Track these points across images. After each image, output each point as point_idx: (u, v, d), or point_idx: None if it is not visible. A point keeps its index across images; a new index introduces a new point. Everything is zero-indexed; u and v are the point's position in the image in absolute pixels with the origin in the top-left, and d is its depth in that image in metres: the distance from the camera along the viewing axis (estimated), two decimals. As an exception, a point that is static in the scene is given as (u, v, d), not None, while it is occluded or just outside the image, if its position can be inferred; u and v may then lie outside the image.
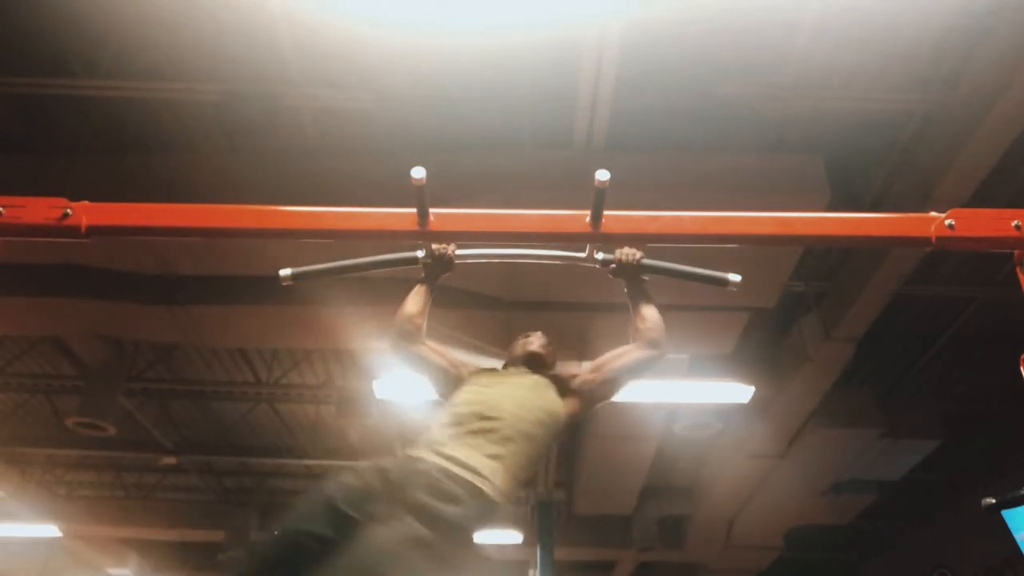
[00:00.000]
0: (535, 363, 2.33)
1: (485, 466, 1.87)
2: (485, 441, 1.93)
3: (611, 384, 2.26)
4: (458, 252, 2.21)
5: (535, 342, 2.39)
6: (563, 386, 2.22)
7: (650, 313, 2.21)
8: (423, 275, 2.28)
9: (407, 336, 2.23)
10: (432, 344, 2.30)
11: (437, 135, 4.25)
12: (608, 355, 2.29)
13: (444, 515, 1.72)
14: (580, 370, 2.33)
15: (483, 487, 1.82)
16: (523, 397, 2.10)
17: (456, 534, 1.74)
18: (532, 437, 2.02)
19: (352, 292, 4.50)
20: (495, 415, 1.99)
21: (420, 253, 2.19)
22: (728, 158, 4.18)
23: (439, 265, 2.22)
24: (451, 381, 2.26)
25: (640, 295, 2.23)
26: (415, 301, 2.25)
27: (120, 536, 9.83)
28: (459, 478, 1.82)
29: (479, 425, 1.97)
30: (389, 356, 2.27)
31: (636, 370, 2.25)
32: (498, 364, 2.45)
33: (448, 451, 1.89)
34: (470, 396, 2.10)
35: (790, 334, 5.74)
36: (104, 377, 6.19)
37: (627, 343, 2.26)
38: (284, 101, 4.01)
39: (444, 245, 2.17)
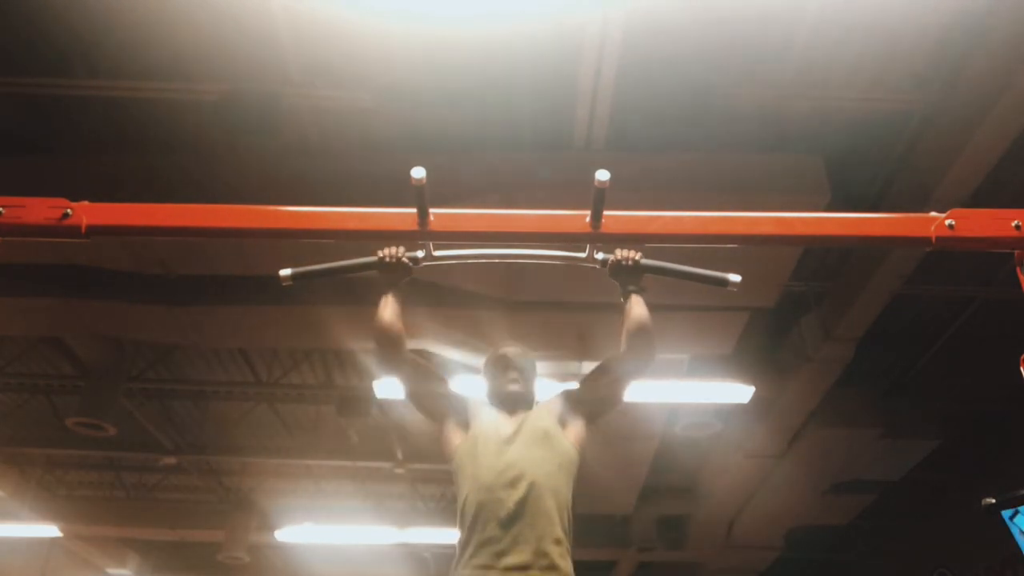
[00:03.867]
0: (518, 402, 2.27)
1: (560, 556, 1.94)
2: (541, 530, 1.94)
3: (604, 401, 2.28)
4: (455, 252, 2.18)
5: (513, 377, 2.28)
6: (564, 420, 2.23)
7: (639, 318, 2.14)
8: (383, 283, 2.18)
9: (390, 349, 2.18)
10: (420, 363, 2.25)
11: (437, 135, 4.25)
12: (596, 370, 2.29)
13: None
14: (571, 394, 2.30)
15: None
16: (540, 460, 2.07)
17: None
18: (564, 493, 2.06)
19: (352, 292, 4.50)
20: (529, 496, 1.98)
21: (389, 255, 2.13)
22: (728, 158, 4.18)
23: (393, 271, 2.14)
24: (439, 415, 2.25)
25: (633, 296, 2.18)
26: (385, 312, 2.15)
27: (120, 536, 9.84)
28: None
29: (526, 518, 1.95)
30: (380, 370, 2.25)
31: (624, 379, 2.24)
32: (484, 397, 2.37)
33: (530, 559, 1.90)
34: (493, 480, 2.02)
35: (790, 334, 5.74)
36: (104, 377, 6.19)
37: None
38: (284, 101, 4.01)
39: (394, 249, 2.11)
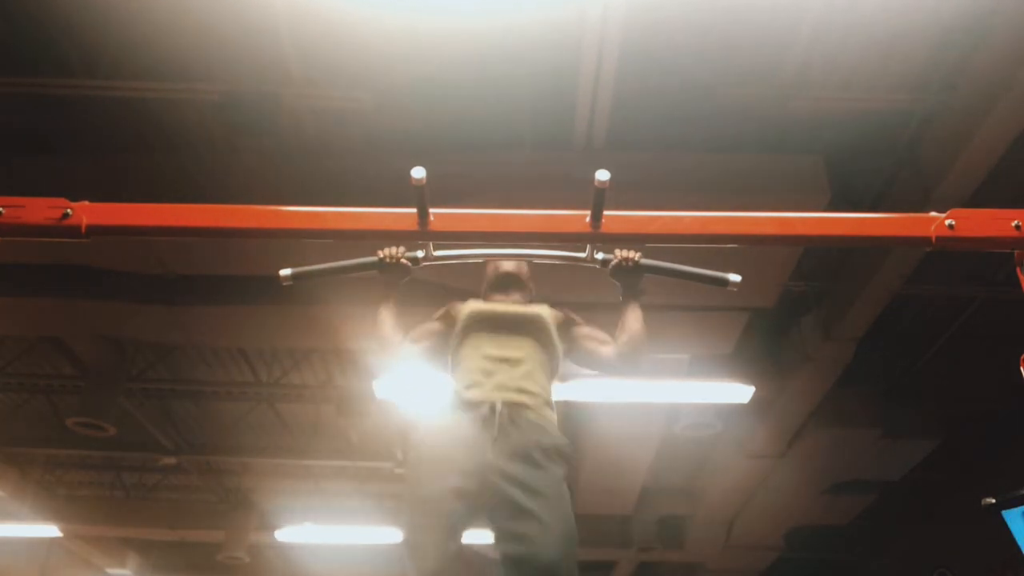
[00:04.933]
0: (512, 283, 2.38)
1: (536, 405, 2.06)
2: (518, 383, 2.07)
3: (580, 357, 2.33)
4: (455, 252, 2.20)
5: (507, 263, 2.40)
6: (558, 325, 2.29)
7: (634, 326, 2.19)
8: (383, 283, 2.24)
9: (391, 352, 2.24)
10: (414, 336, 2.29)
11: (437, 135, 4.25)
12: (598, 334, 2.32)
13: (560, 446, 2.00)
14: (571, 322, 2.35)
15: (552, 416, 2.08)
16: (528, 330, 2.19)
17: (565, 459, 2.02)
18: (546, 362, 2.17)
19: (352, 292, 4.50)
20: (512, 356, 2.11)
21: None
22: (728, 158, 4.18)
23: (392, 272, 2.19)
24: (446, 336, 2.30)
25: (632, 301, 2.21)
26: (383, 317, 2.22)
27: (120, 536, 9.83)
28: (540, 416, 2.04)
29: (507, 371, 2.08)
30: (389, 364, 2.30)
31: (602, 367, 2.30)
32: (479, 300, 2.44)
33: (507, 395, 2.03)
34: (482, 338, 2.16)
35: (790, 334, 5.74)
36: (104, 377, 6.19)
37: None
38: (284, 101, 4.01)
39: (394, 249, 2.16)
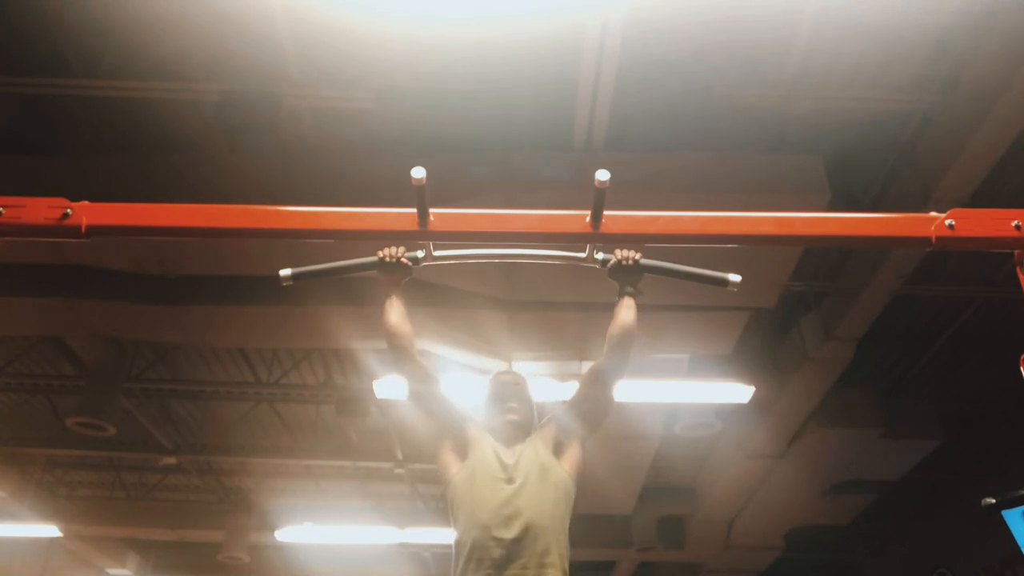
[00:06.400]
0: (519, 432, 2.27)
1: None
2: (535, 572, 1.96)
3: (596, 409, 2.27)
4: (455, 252, 2.18)
5: (512, 407, 2.29)
6: (559, 446, 2.23)
7: (624, 317, 2.16)
8: (382, 284, 2.19)
9: (403, 353, 2.19)
10: (426, 365, 2.25)
11: (437, 135, 4.25)
12: (580, 383, 2.30)
13: None
14: (563, 416, 2.29)
15: None
16: (537, 497, 2.08)
17: None
18: (562, 524, 2.07)
19: (352, 292, 4.50)
20: (525, 536, 1.99)
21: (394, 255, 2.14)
22: (728, 158, 4.17)
23: (393, 272, 2.15)
24: (439, 421, 2.26)
25: (625, 298, 2.19)
26: (390, 315, 2.17)
27: (120, 536, 9.83)
28: None
29: (521, 558, 1.97)
30: (390, 368, 2.26)
31: (608, 383, 2.25)
32: (483, 421, 2.35)
33: None
34: (489, 518, 2.03)
35: (790, 334, 5.74)
36: (104, 377, 6.19)
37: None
38: (284, 101, 4.01)
39: (394, 249, 2.12)
